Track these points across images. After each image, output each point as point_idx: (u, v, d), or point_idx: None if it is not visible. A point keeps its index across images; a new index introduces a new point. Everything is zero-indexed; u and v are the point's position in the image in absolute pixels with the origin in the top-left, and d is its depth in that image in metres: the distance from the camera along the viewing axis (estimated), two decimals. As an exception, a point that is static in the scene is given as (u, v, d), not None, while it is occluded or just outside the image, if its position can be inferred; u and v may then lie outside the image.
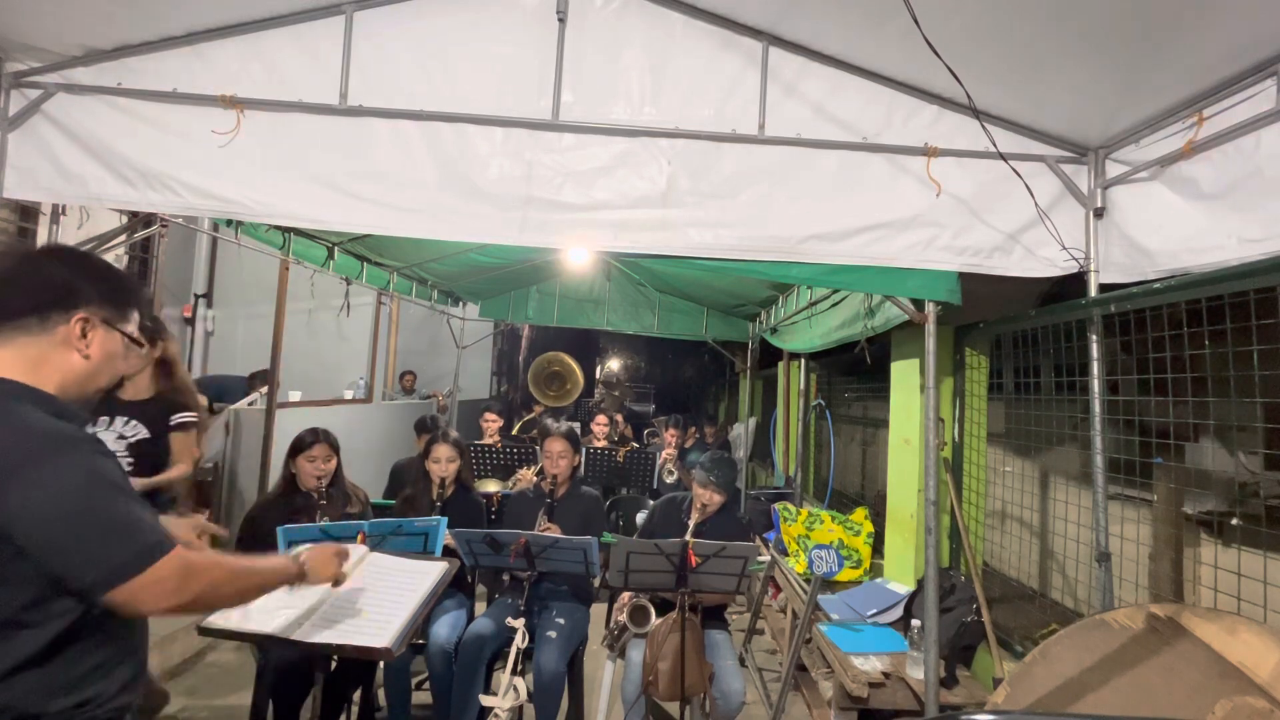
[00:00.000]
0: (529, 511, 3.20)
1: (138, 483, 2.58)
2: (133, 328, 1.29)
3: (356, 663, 2.54)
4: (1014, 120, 2.41)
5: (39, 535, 1.06)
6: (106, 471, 1.14)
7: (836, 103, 2.43)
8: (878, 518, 4.12)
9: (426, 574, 1.98)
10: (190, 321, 8.11)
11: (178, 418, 2.99)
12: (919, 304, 2.52)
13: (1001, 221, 2.44)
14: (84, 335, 1.21)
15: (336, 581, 1.67)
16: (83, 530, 1.08)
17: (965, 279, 2.47)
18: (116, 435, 2.85)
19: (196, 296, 8.27)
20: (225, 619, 1.70)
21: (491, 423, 5.57)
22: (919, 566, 3.32)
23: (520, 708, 2.63)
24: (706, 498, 3.12)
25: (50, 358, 1.19)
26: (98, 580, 1.08)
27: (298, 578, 1.51)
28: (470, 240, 2.50)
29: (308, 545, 1.65)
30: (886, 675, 2.67)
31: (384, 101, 2.41)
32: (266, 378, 5.30)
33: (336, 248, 4.01)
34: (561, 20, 2.39)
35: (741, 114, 2.43)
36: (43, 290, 1.19)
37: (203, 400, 5.11)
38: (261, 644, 2.46)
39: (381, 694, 2.96)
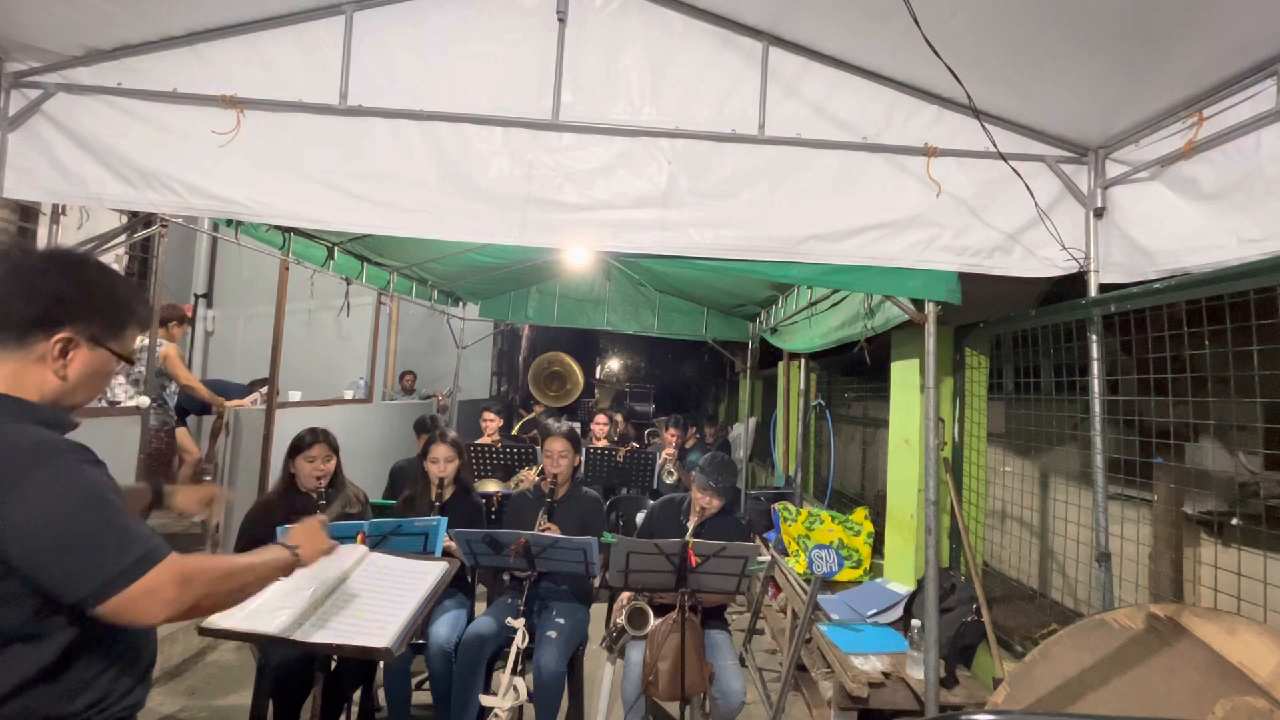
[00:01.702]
0: (529, 511, 3.20)
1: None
2: (123, 345, 1.25)
3: (356, 663, 2.54)
4: (1014, 120, 2.41)
5: (27, 553, 1.04)
6: (92, 482, 1.10)
7: (836, 103, 2.43)
8: (878, 518, 4.12)
9: (426, 574, 1.98)
10: (190, 322, 8.11)
11: None
12: (919, 304, 2.52)
13: (1001, 221, 2.44)
14: (63, 354, 1.17)
15: (328, 551, 1.60)
16: (70, 544, 1.05)
17: (965, 279, 2.47)
18: None
19: (196, 296, 8.27)
20: (225, 619, 1.70)
21: (491, 422, 5.58)
22: (919, 566, 3.32)
23: (520, 708, 2.63)
24: (705, 501, 3.12)
25: (26, 375, 1.15)
26: (89, 594, 1.05)
27: (293, 564, 1.46)
28: (470, 240, 2.50)
29: (288, 527, 1.60)
30: (886, 675, 2.67)
31: (384, 101, 2.41)
32: (267, 384, 5.32)
33: (336, 248, 4.01)
34: (561, 20, 2.39)
35: (741, 114, 2.43)
36: (27, 307, 1.15)
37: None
38: (261, 644, 2.46)
39: (381, 694, 2.97)
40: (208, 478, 5.01)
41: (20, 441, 1.08)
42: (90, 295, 1.21)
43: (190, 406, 5.46)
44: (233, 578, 1.25)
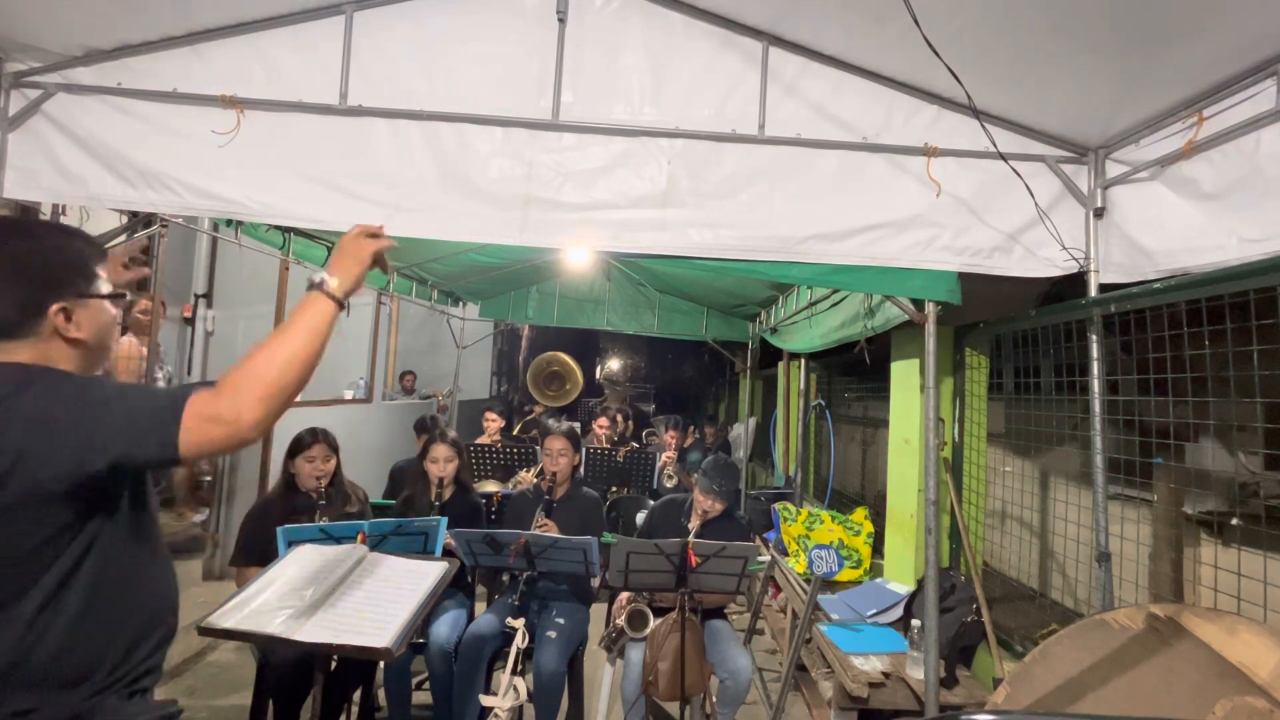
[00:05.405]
0: (528, 511, 3.20)
1: None
2: (107, 285, 1.28)
3: (356, 663, 2.54)
4: (1014, 120, 2.41)
5: (86, 438, 1.09)
6: (111, 382, 1.20)
7: (837, 103, 2.43)
8: (878, 518, 4.12)
9: (426, 574, 1.98)
10: (190, 321, 8.11)
11: None
12: (919, 304, 2.52)
13: (1001, 221, 2.44)
14: (70, 320, 1.20)
15: (380, 262, 1.42)
16: (122, 411, 1.11)
17: (965, 279, 2.47)
18: None
19: (196, 296, 8.26)
20: (225, 619, 1.70)
21: (492, 422, 5.58)
22: (919, 566, 3.32)
23: (520, 708, 2.63)
24: (708, 505, 3.12)
25: (50, 353, 1.19)
26: (162, 445, 1.10)
27: (338, 302, 1.31)
28: (470, 240, 2.50)
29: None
30: (886, 675, 2.67)
31: (384, 101, 2.41)
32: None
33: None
34: (561, 20, 2.39)
35: (741, 114, 2.43)
36: (5, 309, 1.17)
37: None
38: (261, 644, 2.46)
39: (381, 694, 2.97)
40: (207, 478, 5.01)
41: (61, 380, 1.16)
42: (51, 261, 1.22)
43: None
44: (279, 349, 1.19)
